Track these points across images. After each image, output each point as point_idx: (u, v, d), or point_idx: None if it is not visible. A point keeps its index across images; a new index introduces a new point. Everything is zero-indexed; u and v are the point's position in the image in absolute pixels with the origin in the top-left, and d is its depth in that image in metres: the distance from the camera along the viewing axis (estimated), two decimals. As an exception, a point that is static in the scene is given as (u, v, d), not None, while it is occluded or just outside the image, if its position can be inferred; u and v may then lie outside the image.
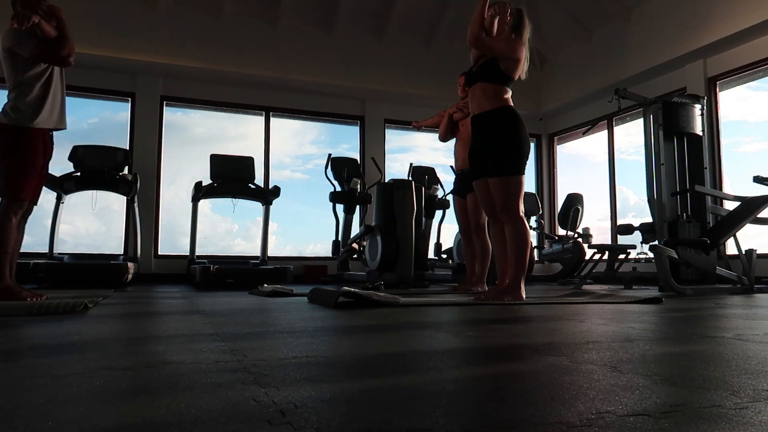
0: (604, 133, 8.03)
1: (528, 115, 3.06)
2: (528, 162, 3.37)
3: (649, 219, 5.10)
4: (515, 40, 3.32)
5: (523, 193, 3.34)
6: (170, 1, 6.80)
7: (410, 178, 6.54)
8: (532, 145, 3.35)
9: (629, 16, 7.13)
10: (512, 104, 3.35)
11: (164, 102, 7.17)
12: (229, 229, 8.22)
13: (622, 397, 0.88)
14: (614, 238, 7.51)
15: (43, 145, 3.05)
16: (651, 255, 4.49)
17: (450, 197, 6.59)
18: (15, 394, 0.92)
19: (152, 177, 6.87)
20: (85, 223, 7.44)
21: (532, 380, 1.06)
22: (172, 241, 7.27)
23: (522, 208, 3.31)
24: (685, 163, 5.13)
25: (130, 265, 5.46)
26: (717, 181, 6.27)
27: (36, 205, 3.13)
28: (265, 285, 4.75)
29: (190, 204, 6.27)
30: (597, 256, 5.98)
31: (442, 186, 7.09)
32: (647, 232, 5.21)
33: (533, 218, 7.74)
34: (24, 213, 3.05)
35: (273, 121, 7.73)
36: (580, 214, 7.09)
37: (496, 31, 3.36)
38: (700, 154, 5.15)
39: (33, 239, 6.13)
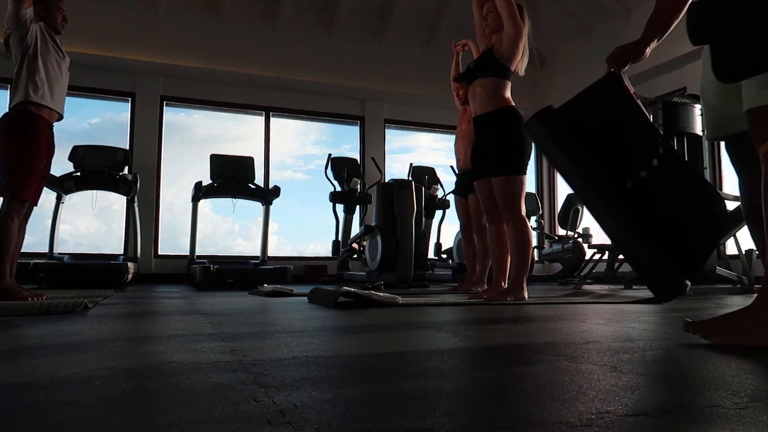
0: (605, 133, 8.02)
1: (528, 114, 3.00)
2: (528, 162, 3.38)
3: (649, 219, 5.09)
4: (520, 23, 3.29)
5: (524, 193, 3.34)
6: (170, 2, 6.80)
7: (410, 178, 6.54)
8: (532, 145, 3.38)
9: (629, 16, 7.13)
10: (513, 104, 3.36)
11: (164, 102, 7.18)
12: (230, 229, 8.23)
13: (622, 397, 0.88)
14: (614, 238, 7.50)
15: (47, 141, 3.05)
16: (651, 255, 4.48)
17: (451, 197, 6.60)
18: (15, 394, 0.92)
19: (152, 177, 6.87)
20: (86, 223, 7.45)
21: (532, 380, 1.06)
22: (173, 241, 7.28)
23: (524, 208, 3.32)
24: (685, 163, 5.13)
25: (130, 265, 5.46)
26: (717, 182, 6.26)
27: (36, 206, 3.13)
28: (265, 285, 4.75)
29: (191, 204, 6.27)
30: (597, 256, 5.98)
31: (442, 186, 7.10)
32: (647, 232, 5.20)
33: (533, 218, 7.74)
34: (25, 214, 3.05)
35: (274, 121, 7.73)
36: (580, 214, 7.09)
37: (494, 27, 3.37)
38: (700, 155, 5.15)
39: (33, 239, 6.14)
